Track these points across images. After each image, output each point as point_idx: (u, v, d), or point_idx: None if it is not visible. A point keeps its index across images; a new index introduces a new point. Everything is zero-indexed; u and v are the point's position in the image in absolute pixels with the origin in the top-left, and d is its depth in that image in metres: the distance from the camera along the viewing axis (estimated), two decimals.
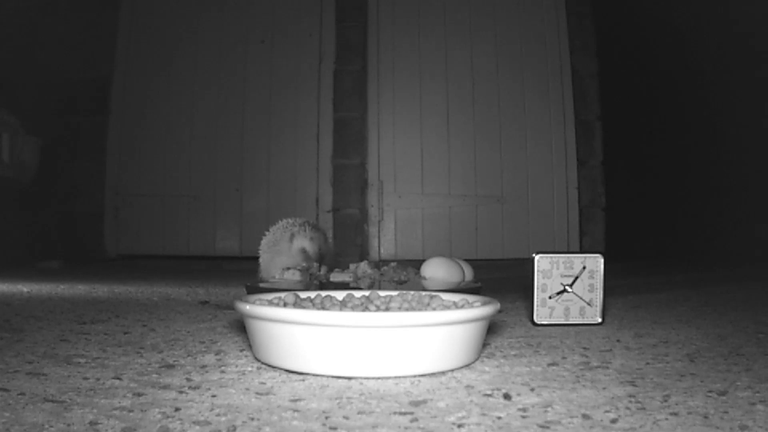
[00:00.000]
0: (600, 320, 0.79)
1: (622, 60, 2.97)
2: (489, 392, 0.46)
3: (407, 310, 0.59)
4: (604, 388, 0.48)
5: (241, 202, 2.50)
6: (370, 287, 1.00)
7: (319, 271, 1.19)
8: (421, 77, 2.52)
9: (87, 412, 0.40)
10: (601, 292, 0.79)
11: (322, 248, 1.23)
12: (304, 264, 1.19)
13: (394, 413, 0.41)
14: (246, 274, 1.56)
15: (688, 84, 2.85)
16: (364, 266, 1.22)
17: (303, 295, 0.64)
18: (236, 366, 0.55)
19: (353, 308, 0.59)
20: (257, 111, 2.52)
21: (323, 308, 0.59)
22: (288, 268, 1.17)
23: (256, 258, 1.31)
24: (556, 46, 2.53)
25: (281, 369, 0.53)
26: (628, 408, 0.42)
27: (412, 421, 0.39)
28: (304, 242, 1.21)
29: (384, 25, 2.53)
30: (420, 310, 0.59)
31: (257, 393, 0.46)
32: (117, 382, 0.49)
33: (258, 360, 0.56)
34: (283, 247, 1.22)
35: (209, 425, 0.38)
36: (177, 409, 0.41)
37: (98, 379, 0.50)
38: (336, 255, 2.09)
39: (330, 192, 2.45)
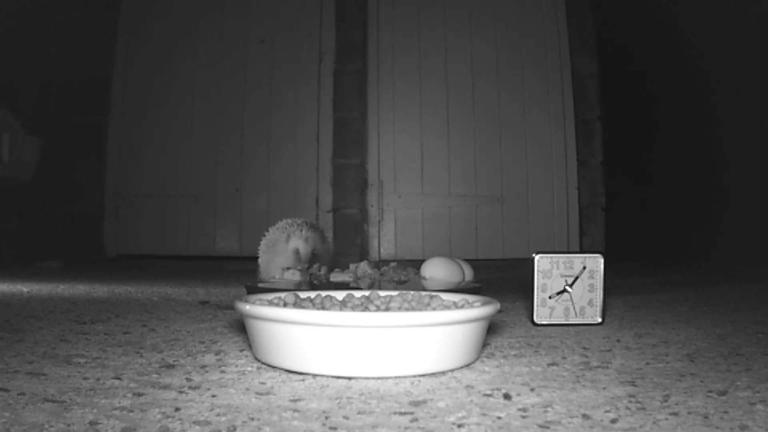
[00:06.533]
0: (600, 320, 0.79)
1: (622, 60, 2.97)
2: (489, 392, 0.46)
3: (407, 310, 0.59)
4: (604, 388, 0.48)
5: (241, 202, 2.50)
6: (370, 287, 1.00)
7: (319, 271, 1.19)
8: (421, 77, 2.52)
9: (87, 412, 0.40)
10: (601, 292, 0.79)
11: (318, 248, 1.23)
12: (299, 265, 1.19)
13: (394, 413, 0.41)
14: (246, 274, 1.56)
15: (688, 83, 2.85)
16: (364, 266, 1.22)
17: (303, 295, 0.64)
18: (236, 366, 0.55)
19: (353, 308, 0.59)
20: (257, 111, 2.52)
21: (323, 308, 0.59)
22: (288, 269, 1.17)
23: (256, 258, 1.31)
24: (556, 46, 2.53)
25: (281, 369, 0.53)
26: (628, 408, 0.42)
27: (412, 421, 0.39)
28: (298, 242, 1.21)
29: (384, 25, 2.53)
30: (420, 310, 0.59)
31: (257, 393, 0.46)
32: (117, 382, 0.49)
33: (258, 360, 0.56)
34: (280, 248, 1.22)
35: (209, 425, 0.38)
36: (177, 409, 0.41)
37: (98, 379, 0.50)
38: (336, 255, 2.09)
39: (330, 192, 2.46)
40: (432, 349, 0.50)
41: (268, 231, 1.28)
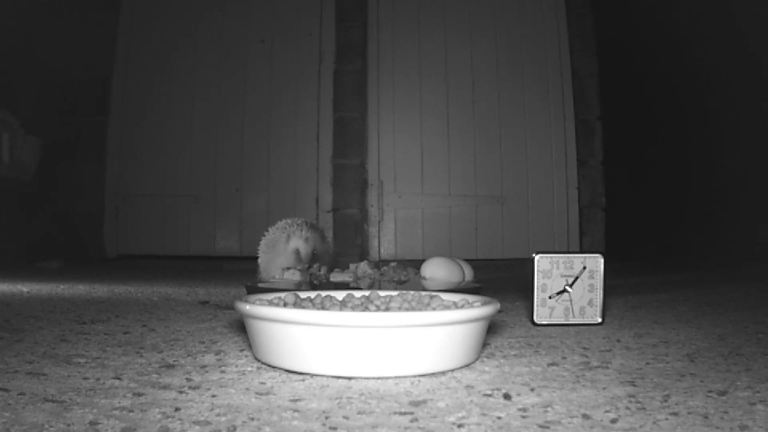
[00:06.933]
0: (600, 320, 0.79)
1: (622, 60, 2.97)
2: (489, 392, 0.46)
3: (407, 310, 0.59)
4: (604, 388, 0.48)
5: (241, 202, 2.50)
6: (370, 287, 1.00)
7: (319, 271, 1.19)
8: (421, 77, 2.52)
9: (87, 412, 0.40)
10: (601, 292, 0.79)
11: (318, 248, 1.22)
12: (299, 265, 1.19)
13: (394, 413, 0.41)
14: (246, 274, 1.56)
15: (687, 83, 2.85)
16: (364, 266, 1.22)
17: (303, 295, 0.64)
18: (236, 366, 0.55)
19: (353, 308, 0.59)
20: (257, 111, 2.52)
21: (323, 308, 0.59)
22: (288, 269, 1.17)
23: (256, 258, 1.31)
24: (556, 46, 2.53)
25: (281, 369, 0.53)
26: (628, 408, 0.42)
27: (412, 421, 0.39)
28: (299, 243, 1.20)
29: (384, 25, 2.53)
30: (420, 310, 0.59)
31: (257, 393, 0.46)
32: (117, 382, 0.49)
33: (258, 360, 0.56)
34: (280, 248, 1.22)
35: (209, 425, 0.38)
36: (177, 409, 0.41)
37: (98, 379, 0.50)
38: (336, 255, 2.09)
39: (330, 192, 2.46)
40: (432, 349, 0.50)
41: (268, 231, 1.28)
